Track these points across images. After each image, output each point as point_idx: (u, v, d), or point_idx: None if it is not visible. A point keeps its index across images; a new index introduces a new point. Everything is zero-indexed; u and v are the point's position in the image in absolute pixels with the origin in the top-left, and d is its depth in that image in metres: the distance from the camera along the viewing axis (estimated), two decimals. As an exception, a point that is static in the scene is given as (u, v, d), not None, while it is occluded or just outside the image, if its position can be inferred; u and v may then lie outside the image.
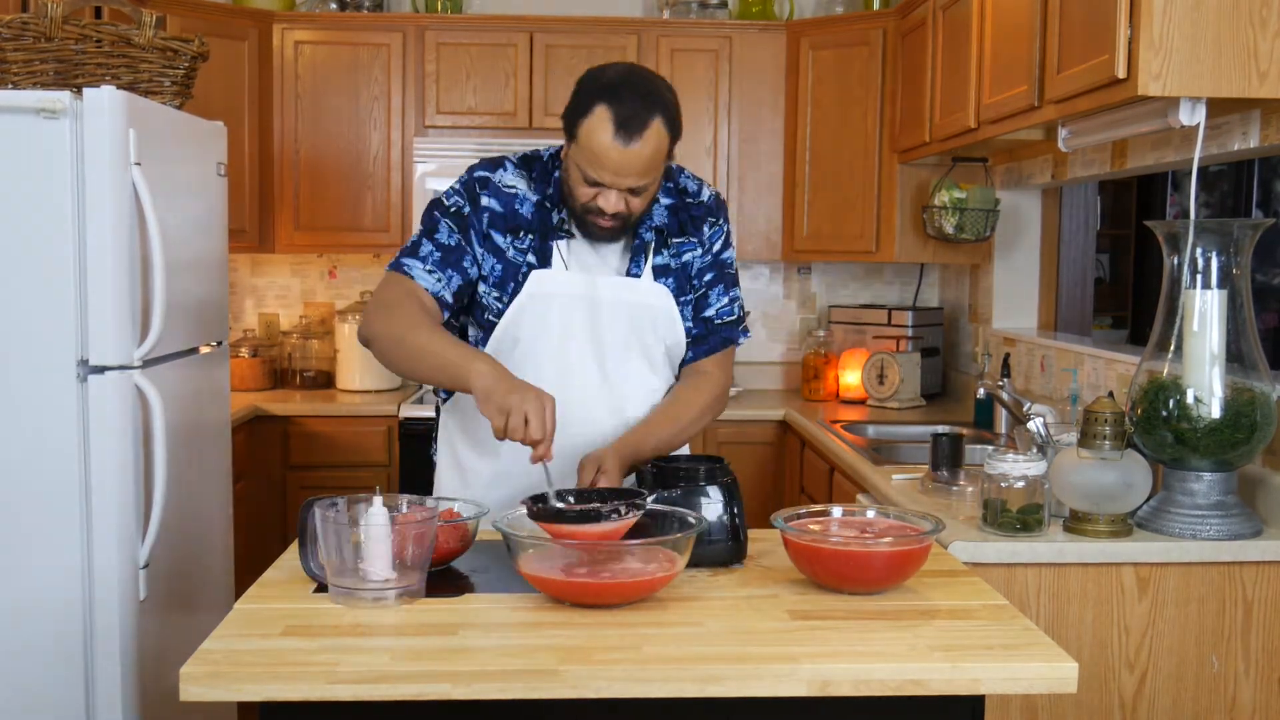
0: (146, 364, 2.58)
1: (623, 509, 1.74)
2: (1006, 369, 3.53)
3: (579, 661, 1.45)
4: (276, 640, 1.52)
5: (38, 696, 2.49)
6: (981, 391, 3.59)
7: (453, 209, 2.15)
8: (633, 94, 1.96)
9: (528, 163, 2.18)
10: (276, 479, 3.98)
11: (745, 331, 2.29)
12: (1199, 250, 2.19)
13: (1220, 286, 2.18)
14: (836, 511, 1.91)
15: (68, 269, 2.45)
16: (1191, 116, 2.26)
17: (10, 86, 2.53)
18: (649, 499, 1.83)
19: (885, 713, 1.54)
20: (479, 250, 2.13)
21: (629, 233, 2.14)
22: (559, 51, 4.19)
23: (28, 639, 2.48)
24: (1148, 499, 2.24)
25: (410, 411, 3.97)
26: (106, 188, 2.46)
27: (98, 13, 3.41)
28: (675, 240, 2.19)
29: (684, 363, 2.26)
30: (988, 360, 3.91)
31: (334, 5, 4.30)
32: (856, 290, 4.71)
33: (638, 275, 2.16)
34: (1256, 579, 2.19)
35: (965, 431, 3.59)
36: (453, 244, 2.12)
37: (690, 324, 2.22)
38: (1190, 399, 2.17)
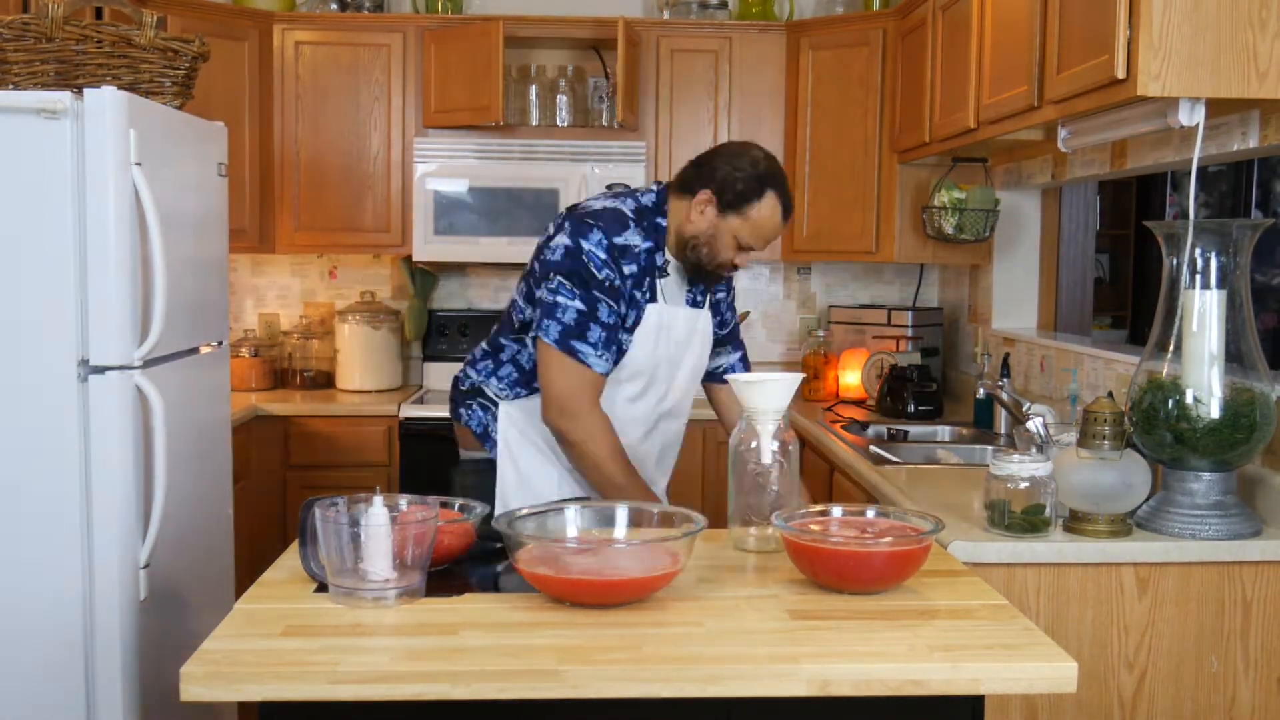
0: (147, 364, 2.58)
1: None
2: (1006, 369, 3.53)
3: (579, 661, 1.46)
4: (276, 640, 1.53)
5: (38, 696, 2.49)
6: (981, 391, 3.59)
7: (607, 284, 2.35)
8: (785, 181, 2.39)
9: (640, 216, 2.43)
10: (276, 479, 3.98)
11: None
12: (1198, 250, 2.19)
13: (1219, 287, 2.18)
14: (837, 511, 1.91)
15: (68, 269, 2.45)
16: (1191, 117, 2.26)
17: (11, 87, 2.54)
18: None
19: (885, 713, 1.54)
20: (624, 309, 2.40)
21: None
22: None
23: (28, 638, 2.48)
24: (1147, 499, 2.24)
25: (410, 411, 3.97)
26: (107, 188, 2.46)
27: (98, 13, 3.41)
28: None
29: (727, 370, 2.73)
30: (987, 360, 3.91)
31: (334, 5, 4.31)
32: (856, 290, 4.72)
33: (701, 306, 2.55)
34: (1256, 579, 2.20)
35: (965, 431, 3.60)
36: (613, 323, 2.37)
37: (731, 345, 2.76)
38: (1190, 399, 2.17)
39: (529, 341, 2.46)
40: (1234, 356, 2.19)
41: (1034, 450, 2.32)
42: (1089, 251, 4.72)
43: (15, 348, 2.45)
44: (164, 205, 2.61)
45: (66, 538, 2.48)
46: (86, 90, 2.45)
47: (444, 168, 4.13)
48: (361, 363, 4.31)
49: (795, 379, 2.00)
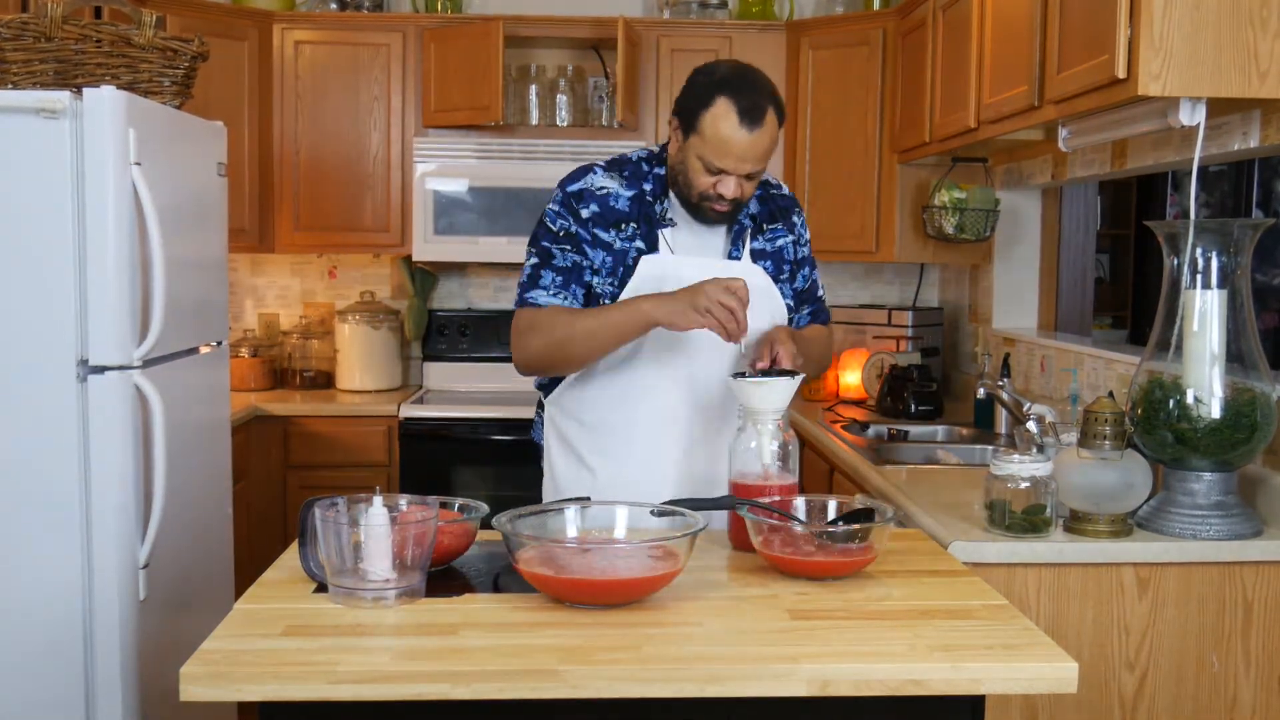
0: (146, 364, 2.58)
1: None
2: (1006, 369, 3.53)
3: (579, 661, 1.45)
4: (276, 640, 1.52)
5: (38, 696, 2.49)
6: (981, 391, 3.59)
7: (561, 232, 2.26)
8: (748, 86, 2.14)
9: (615, 165, 2.32)
10: (276, 479, 3.98)
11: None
12: (1199, 250, 2.19)
13: (1220, 286, 2.18)
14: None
15: (68, 269, 2.45)
16: (1191, 116, 2.26)
17: (10, 86, 2.53)
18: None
19: (885, 713, 1.54)
20: (591, 253, 2.25)
21: (730, 219, 2.29)
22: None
23: (28, 638, 2.48)
24: (1148, 499, 2.24)
25: (410, 411, 3.97)
26: (107, 188, 2.46)
27: (98, 13, 3.41)
28: (770, 226, 2.37)
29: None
30: (988, 360, 3.91)
31: (334, 5, 4.30)
32: (856, 290, 4.71)
33: (738, 258, 2.31)
34: (1256, 579, 2.19)
35: (965, 431, 3.60)
36: (569, 265, 2.25)
37: (808, 304, 2.46)
38: (1190, 399, 2.17)
39: None
40: (1235, 356, 2.19)
41: (1034, 450, 2.32)
42: (1089, 251, 4.71)
43: (15, 348, 2.45)
44: (163, 205, 2.61)
45: (66, 538, 2.48)
46: (86, 90, 2.45)
47: (444, 167, 4.13)
48: (361, 363, 4.30)
49: (796, 379, 2.00)
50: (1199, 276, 2.19)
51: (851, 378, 4.24)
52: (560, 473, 2.39)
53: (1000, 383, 3.40)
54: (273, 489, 3.97)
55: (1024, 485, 2.16)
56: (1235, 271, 2.19)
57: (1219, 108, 2.32)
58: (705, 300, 2.03)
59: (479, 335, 4.48)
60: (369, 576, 1.64)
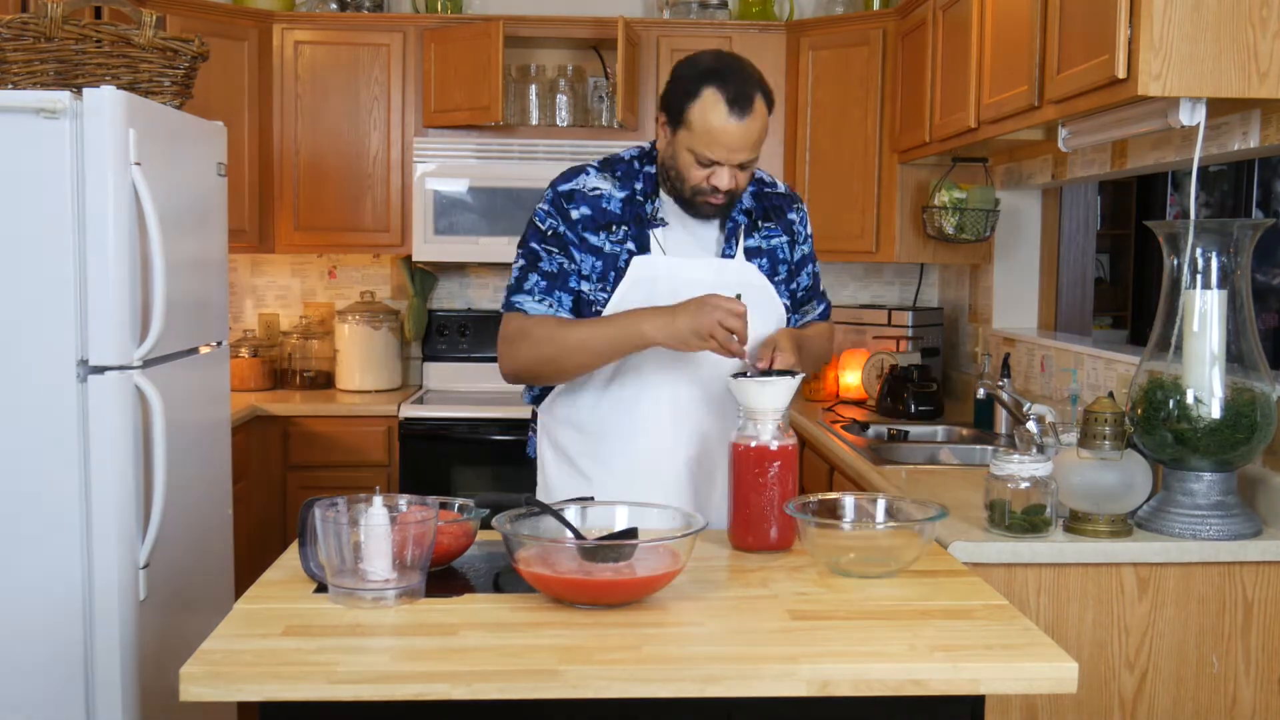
0: (146, 364, 2.58)
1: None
2: (1006, 369, 3.53)
3: (579, 661, 1.45)
4: (276, 640, 1.52)
5: (38, 696, 2.49)
6: (981, 391, 3.59)
7: (549, 232, 2.24)
8: (734, 74, 2.11)
9: (608, 165, 2.30)
10: (276, 479, 3.98)
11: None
12: (1199, 250, 2.19)
13: (1220, 286, 2.18)
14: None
15: (68, 269, 2.45)
16: (1191, 116, 2.26)
17: (10, 86, 2.53)
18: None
19: (885, 713, 1.54)
20: (579, 257, 2.23)
21: (725, 212, 2.27)
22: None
23: (28, 638, 2.48)
24: (1148, 499, 2.24)
25: (410, 411, 3.97)
26: (106, 188, 2.46)
27: (98, 13, 3.41)
28: (765, 224, 2.34)
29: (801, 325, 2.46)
30: (988, 360, 3.91)
31: (334, 5, 4.30)
32: (856, 290, 4.71)
33: (731, 256, 2.29)
34: (1256, 579, 2.19)
35: (965, 431, 3.60)
36: (555, 269, 2.22)
37: (811, 300, 2.44)
38: (1190, 399, 2.17)
39: None
40: (1235, 356, 2.19)
41: (1034, 450, 2.32)
42: (1089, 251, 4.71)
43: (15, 348, 2.45)
44: (163, 205, 2.61)
45: (66, 538, 2.48)
46: (86, 90, 2.45)
47: (444, 167, 4.13)
48: (361, 363, 4.30)
49: (796, 379, 2.00)
50: (1199, 276, 2.19)
51: (851, 378, 4.24)
52: (554, 481, 2.35)
53: (1000, 383, 3.40)
54: (273, 489, 3.97)
55: (1024, 485, 2.16)
56: (1235, 271, 2.19)
57: (1219, 108, 2.32)
58: (708, 325, 2.02)
59: (479, 335, 4.48)
60: (369, 577, 1.64)
